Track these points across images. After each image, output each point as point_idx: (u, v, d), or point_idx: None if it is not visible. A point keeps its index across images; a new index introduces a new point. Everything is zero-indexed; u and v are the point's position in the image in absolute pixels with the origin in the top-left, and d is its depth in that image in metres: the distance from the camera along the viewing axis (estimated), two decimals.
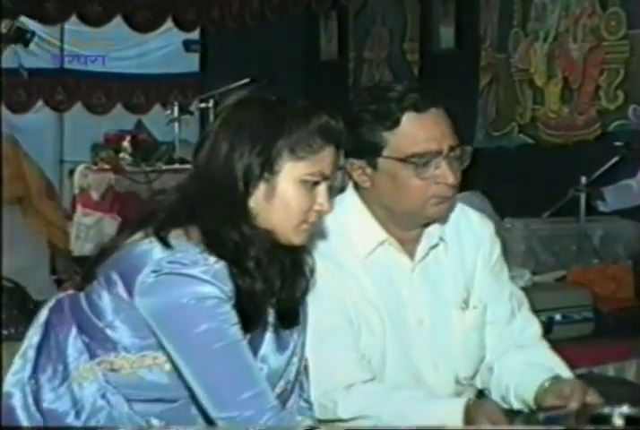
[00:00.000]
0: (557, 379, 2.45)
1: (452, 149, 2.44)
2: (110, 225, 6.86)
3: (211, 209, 2.05)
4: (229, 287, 1.99)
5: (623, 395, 2.63)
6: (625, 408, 2.02)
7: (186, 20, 11.27)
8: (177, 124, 7.30)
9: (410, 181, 2.44)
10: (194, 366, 1.97)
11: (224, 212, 2.04)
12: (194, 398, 2.01)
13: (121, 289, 1.99)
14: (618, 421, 2.01)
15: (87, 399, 2.02)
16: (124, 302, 1.99)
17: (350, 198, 2.57)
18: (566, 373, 2.54)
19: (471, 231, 2.66)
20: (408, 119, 2.41)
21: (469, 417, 2.24)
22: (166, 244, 1.97)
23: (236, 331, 1.99)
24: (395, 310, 2.53)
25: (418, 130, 2.42)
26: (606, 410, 2.06)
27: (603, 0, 7.19)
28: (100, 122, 11.01)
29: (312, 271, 2.24)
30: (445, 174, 2.43)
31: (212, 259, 1.97)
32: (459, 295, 2.60)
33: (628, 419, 2.00)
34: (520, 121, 7.87)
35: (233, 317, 1.99)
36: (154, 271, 1.95)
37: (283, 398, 2.18)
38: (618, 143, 6.64)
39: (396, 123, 2.41)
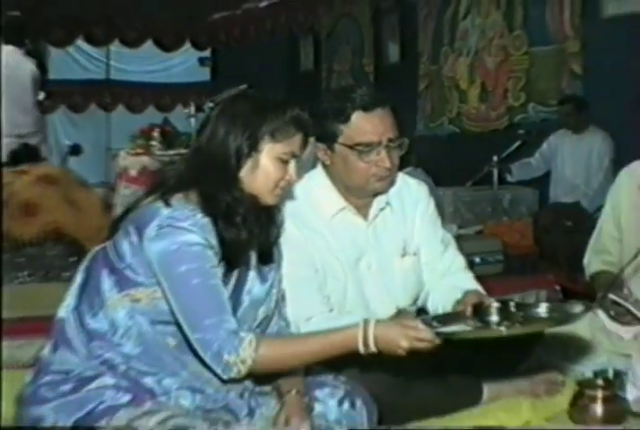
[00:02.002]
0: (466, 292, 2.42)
1: (391, 140, 2.41)
2: None
3: (210, 177, 2.02)
4: (212, 236, 1.96)
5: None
6: (496, 302, 2.07)
7: (201, 42, 11.30)
8: (193, 119, 7.22)
9: (357, 163, 2.42)
10: (177, 298, 1.92)
11: (220, 180, 2.03)
12: None
13: (135, 238, 1.96)
14: (496, 303, 2.05)
15: (120, 321, 1.98)
16: (137, 248, 1.95)
17: (318, 173, 2.55)
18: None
19: (410, 193, 2.64)
20: (357, 116, 2.39)
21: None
22: (168, 204, 1.95)
23: (214, 271, 1.95)
24: (353, 259, 2.51)
25: (364, 125, 2.39)
26: (487, 303, 2.09)
27: (510, 25, 7.16)
28: (137, 118, 10.92)
29: (282, 223, 2.22)
30: (383, 159, 2.41)
31: (200, 215, 1.95)
32: (400, 245, 2.58)
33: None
34: (449, 115, 7.86)
35: (213, 260, 1.95)
36: (158, 225, 1.93)
37: (267, 321, 2.16)
38: (520, 131, 6.70)
39: (347, 118, 2.40)
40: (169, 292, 1.93)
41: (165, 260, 1.92)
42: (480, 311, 2.08)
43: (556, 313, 2.11)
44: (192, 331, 1.91)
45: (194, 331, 1.91)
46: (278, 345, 1.97)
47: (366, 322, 1.93)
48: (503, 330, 1.98)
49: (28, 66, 7.27)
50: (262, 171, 2.05)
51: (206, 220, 1.95)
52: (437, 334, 1.91)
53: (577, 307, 2.11)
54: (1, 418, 2.04)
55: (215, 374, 1.95)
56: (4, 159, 6.46)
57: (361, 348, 1.92)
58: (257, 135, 2.03)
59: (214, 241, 1.96)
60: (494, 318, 2.03)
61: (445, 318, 2.15)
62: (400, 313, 2.39)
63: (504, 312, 2.04)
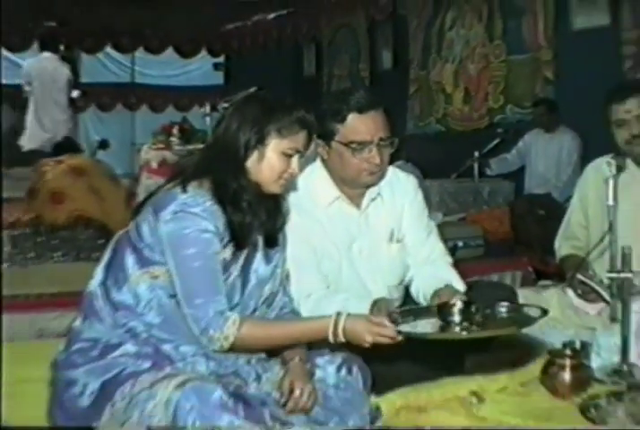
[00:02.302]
0: (444, 287, 2.40)
1: (382, 139, 2.40)
2: None
3: (221, 166, 2.02)
4: (220, 223, 1.96)
5: (502, 294, 2.60)
6: (459, 302, 2.04)
7: (215, 49, 11.29)
8: (208, 118, 7.21)
9: (350, 159, 2.41)
10: (178, 276, 1.93)
11: (230, 169, 2.03)
12: None
13: (152, 220, 1.96)
14: (459, 304, 2.03)
15: (142, 294, 1.99)
16: (154, 229, 1.96)
17: (317, 166, 2.54)
18: (456, 282, 2.49)
19: (400, 185, 2.62)
20: (352, 117, 2.38)
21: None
22: (185, 190, 1.95)
23: (216, 257, 1.95)
24: (347, 244, 2.50)
25: (358, 125, 2.38)
26: (451, 303, 2.06)
27: (490, 35, 7.15)
28: (159, 117, 10.90)
29: (287, 211, 2.22)
30: (373, 156, 2.39)
31: (210, 202, 1.95)
32: (388, 233, 2.56)
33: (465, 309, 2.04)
34: (436, 116, 7.84)
35: (217, 246, 1.96)
36: (173, 210, 1.93)
37: (272, 297, 2.16)
38: (499, 130, 6.69)
39: (344, 119, 2.38)
40: (173, 270, 1.94)
41: (175, 241, 1.92)
42: (443, 310, 2.05)
43: (515, 316, 2.09)
44: (186, 306, 1.92)
45: (188, 307, 1.92)
46: (259, 326, 1.97)
47: (338, 314, 1.94)
48: (463, 334, 1.98)
49: (64, 71, 7.33)
50: (267, 163, 2.04)
51: (216, 207, 1.95)
52: (400, 332, 1.91)
53: (535, 311, 2.10)
54: (1, 418, 2.02)
55: None
56: (49, 150, 6.52)
57: (331, 338, 1.93)
58: (264, 131, 2.02)
59: (222, 227, 1.96)
60: (456, 318, 2.02)
61: (414, 313, 2.13)
62: (379, 303, 2.36)
63: (465, 313, 2.02)
